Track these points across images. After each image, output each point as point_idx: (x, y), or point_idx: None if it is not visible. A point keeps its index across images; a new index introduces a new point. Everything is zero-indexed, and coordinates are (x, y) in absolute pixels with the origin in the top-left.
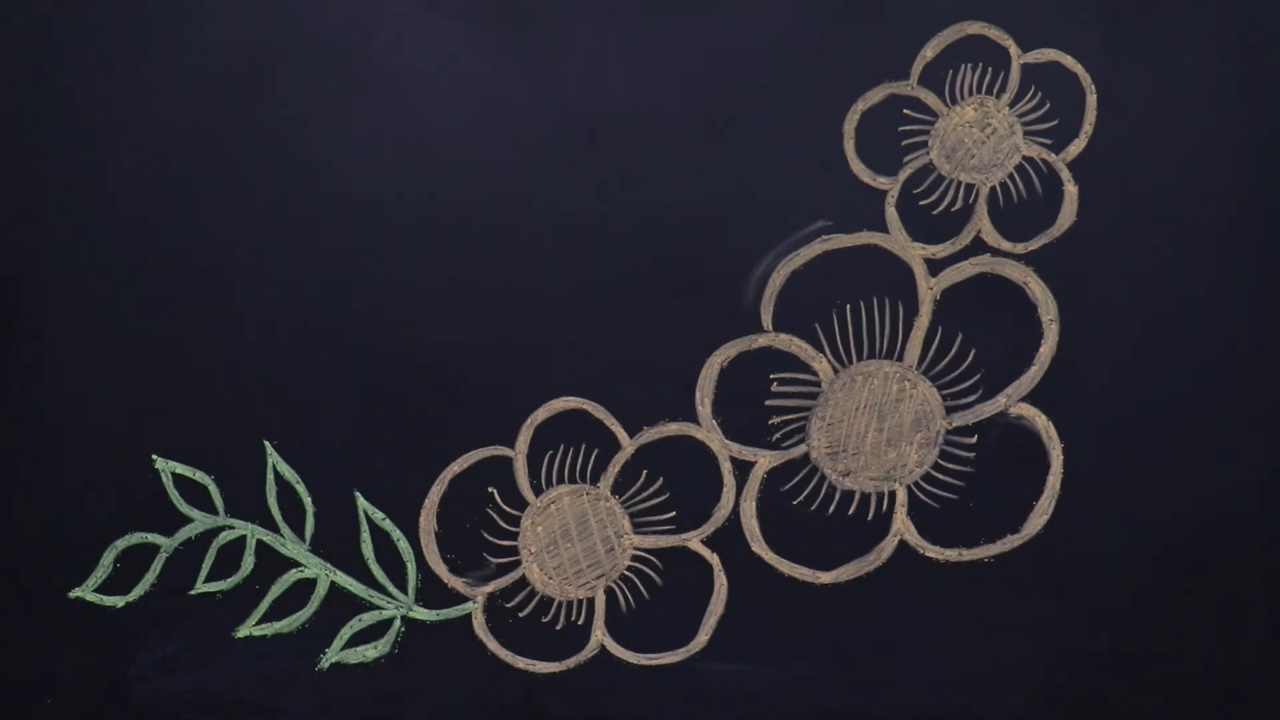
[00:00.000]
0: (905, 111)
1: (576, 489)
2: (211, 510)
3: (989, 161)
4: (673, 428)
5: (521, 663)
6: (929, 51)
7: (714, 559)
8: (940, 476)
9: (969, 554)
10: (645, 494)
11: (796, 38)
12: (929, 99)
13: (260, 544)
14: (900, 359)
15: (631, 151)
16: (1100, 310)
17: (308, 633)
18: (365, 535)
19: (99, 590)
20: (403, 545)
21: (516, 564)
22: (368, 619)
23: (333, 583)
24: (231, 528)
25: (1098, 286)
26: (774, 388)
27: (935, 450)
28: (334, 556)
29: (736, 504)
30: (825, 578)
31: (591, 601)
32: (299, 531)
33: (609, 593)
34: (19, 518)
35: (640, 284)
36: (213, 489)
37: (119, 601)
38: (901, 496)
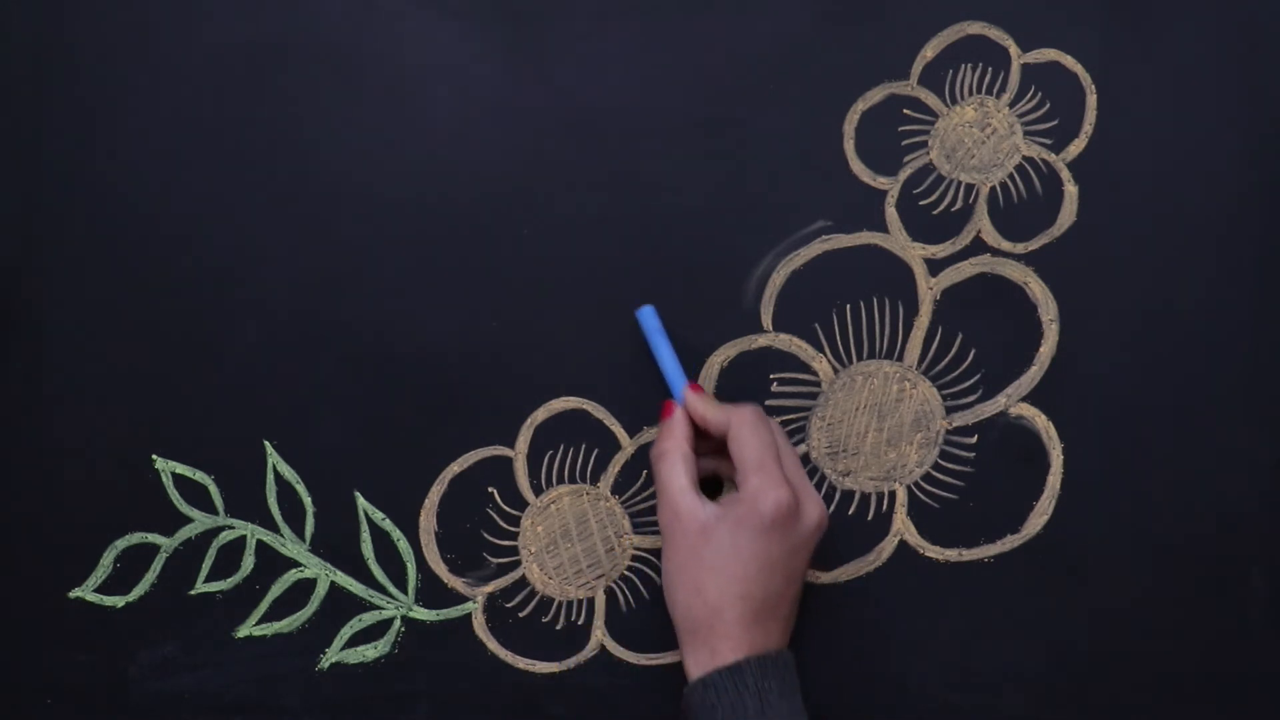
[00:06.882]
0: (905, 111)
1: (576, 489)
2: (211, 510)
3: (989, 161)
4: None
5: (521, 663)
6: (929, 51)
7: None
8: (940, 476)
9: (969, 554)
10: (645, 494)
11: (796, 38)
12: (929, 99)
13: (260, 544)
14: (900, 359)
15: (631, 151)
16: (1100, 310)
17: (308, 633)
18: (365, 535)
19: (99, 590)
20: (403, 545)
21: (516, 564)
22: (368, 619)
23: (333, 583)
24: (231, 528)
25: (1098, 286)
26: (774, 388)
27: (935, 450)
28: (334, 556)
29: None
30: (825, 578)
31: (591, 601)
32: (299, 531)
33: (609, 593)
34: (19, 518)
35: (640, 284)
36: (213, 489)
37: (119, 601)
38: (901, 496)
